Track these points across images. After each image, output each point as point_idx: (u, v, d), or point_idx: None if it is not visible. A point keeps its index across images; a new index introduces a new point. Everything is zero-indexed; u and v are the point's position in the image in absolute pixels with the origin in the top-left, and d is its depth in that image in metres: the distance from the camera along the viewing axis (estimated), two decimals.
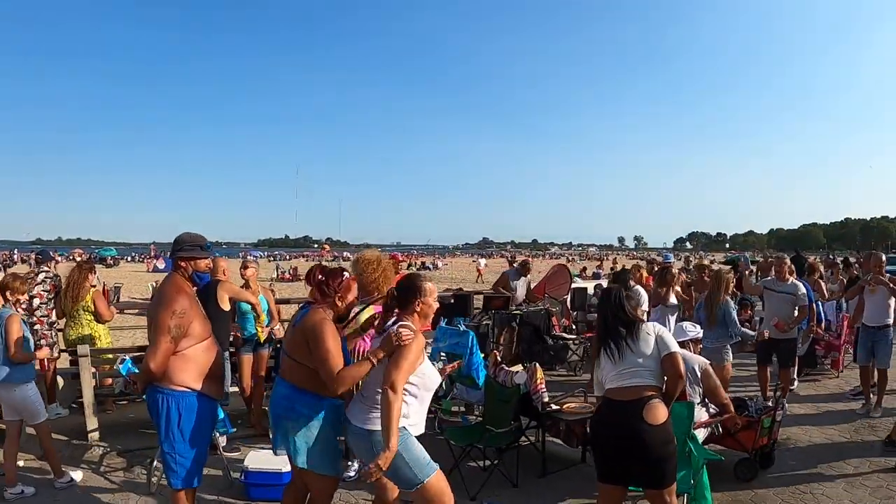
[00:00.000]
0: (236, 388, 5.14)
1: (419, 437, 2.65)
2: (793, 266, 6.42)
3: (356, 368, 2.58)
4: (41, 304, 5.58)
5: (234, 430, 4.85)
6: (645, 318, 5.53)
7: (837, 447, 4.95)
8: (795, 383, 6.89)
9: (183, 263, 3.06)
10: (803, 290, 6.10)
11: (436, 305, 2.77)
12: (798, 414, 5.80)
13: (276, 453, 2.76)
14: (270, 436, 4.50)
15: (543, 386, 4.25)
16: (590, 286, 10.08)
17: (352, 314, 3.11)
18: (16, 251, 52.02)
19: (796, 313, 5.96)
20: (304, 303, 2.93)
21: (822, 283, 8.58)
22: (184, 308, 2.87)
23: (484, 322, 7.52)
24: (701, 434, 3.77)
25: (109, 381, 5.65)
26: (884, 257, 6.27)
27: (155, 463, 4.06)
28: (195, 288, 3.26)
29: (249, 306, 5.06)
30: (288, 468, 3.63)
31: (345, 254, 64.38)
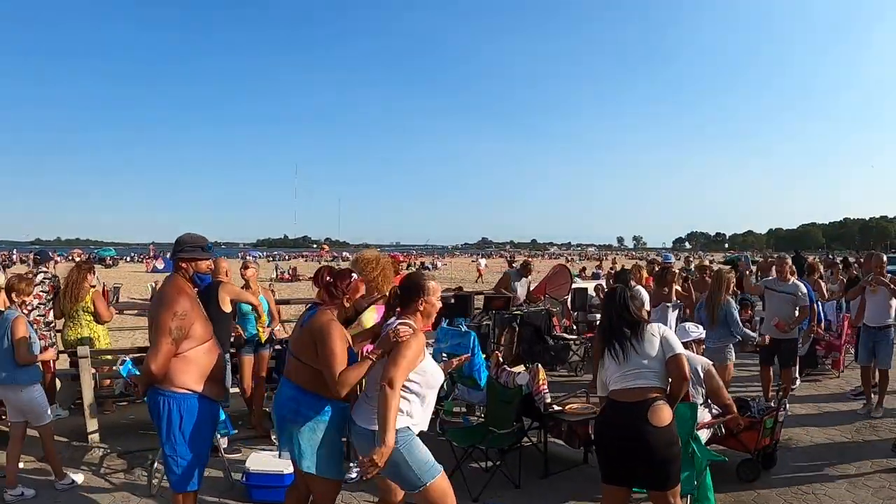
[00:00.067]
0: (237, 389, 5.12)
1: (421, 437, 2.64)
2: (794, 266, 6.41)
3: (357, 369, 2.57)
4: (39, 304, 5.56)
5: (236, 431, 4.84)
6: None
7: (839, 447, 4.95)
8: (798, 382, 6.89)
9: (184, 264, 3.04)
10: (804, 290, 6.10)
11: (439, 305, 2.76)
12: (799, 414, 5.79)
13: (280, 456, 2.74)
14: (273, 437, 4.53)
15: (546, 387, 4.24)
16: (590, 286, 10.07)
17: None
18: (15, 251, 51.93)
19: (797, 313, 5.96)
20: (311, 303, 2.90)
21: (822, 284, 8.58)
22: (185, 310, 2.86)
23: (484, 322, 7.52)
24: (704, 435, 3.76)
25: (108, 382, 5.63)
26: (885, 258, 6.27)
27: (156, 464, 4.05)
28: (196, 289, 3.24)
29: (250, 307, 5.04)
30: (289, 470, 3.62)
31: (344, 254, 64.36)
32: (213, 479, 4.00)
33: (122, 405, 5.71)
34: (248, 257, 36.23)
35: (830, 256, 24.47)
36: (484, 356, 5.14)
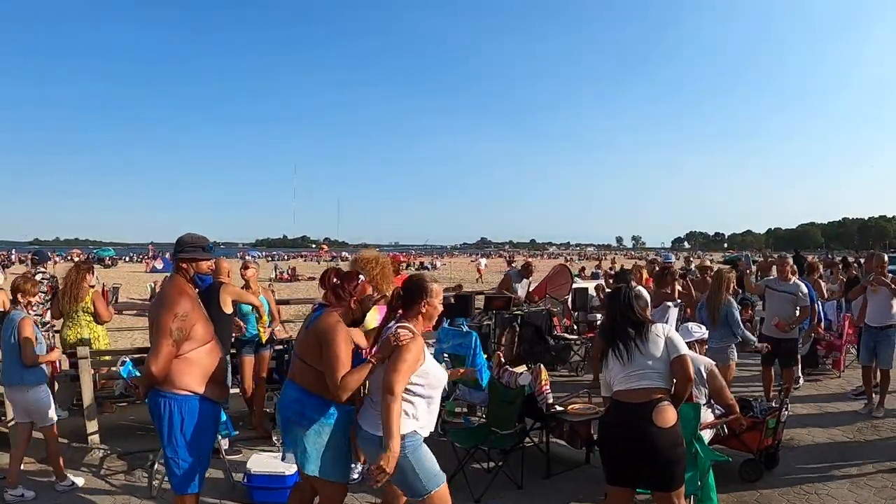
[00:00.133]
0: (237, 390, 5.11)
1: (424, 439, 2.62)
2: (795, 266, 6.41)
3: (358, 373, 2.54)
4: (37, 304, 5.54)
5: (237, 432, 4.82)
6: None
7: (841, 447, 4.95)
8: (801, 382, 6.88)
9: (184, 265, 3.02)
10: (805, 289, 6.09)
11: (440, 308, 2.73)
12: (801, 414, 5.79)
13: (284, 459, 2.71)
14: (274, 438, 4.52)
15: (548, 387, 4.23)
16: (590, 286, 10.06)
17: None
18: (13, 251, 51.80)
19: (797, 313, 5.96)
20: (318, 305, 2.87)
21: (822, 283, 8.58)
22: (186, 310, 2.84)
23: (485, 323, 7.50)
24: (706, 435, 3.75)
25: (106, 382, 5.61)
26: (886, 257, 6.27)
27: (156, 466, 4.03)
28: (197, 290, 3.22)
29: (250, 307, 5.03)
30: (291, 471, 3.61)
31: (343, 254, 64.29)
32: (214, 480, 3.98)
33: (121, 406, 5.68)
34: (246, 257, 36.16)
35: (830, 256, 24.47)
36: (485, 356, 5.13)
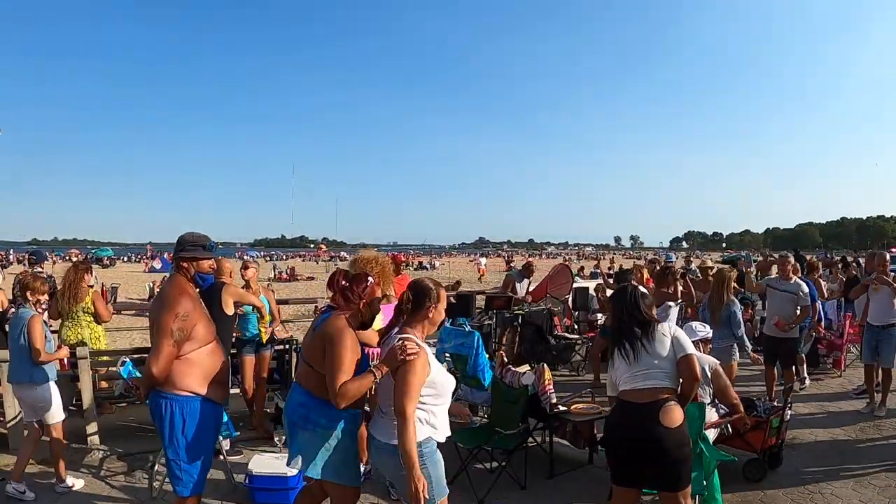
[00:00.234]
0: (237, 390, 5.08)
1: None
2: (797, 265, 6.40)
3: (358, 382, 2.47)
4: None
5: (238, 433, 4.80)
6: None
7: (843, 446, 4.94)
8: (807, 382, 6.86)
9: (185, 264, 2.97)
10: (806, 289, 6.09)
11: (444, 315, 2.70)
12: (803, 413, 5.78)
13: (289, 463, 2.66)
14: (276, 439, 4.49)
15: (551, 387, 4.22)
16: (591, 286, 10.05)
17: None
18: (12, 251, 51.68)
19: (798, 312, 5.95)
20: (326, 307, 2.83)
21: (822, 283, 8.58)
22: (187, 310, 2.80)
23: (486, 322, 7.49)
24: (711, 434, 3.74)
25: (105, 383, 5.58)
26: (888, 256, 6.26)
27: (156, 467, 4.00)
28: (198, 289, 3.19)
29: (250, 307, 5.00)
30: (293, 472, 3.58)
31: (342, 253, 64.26)
32: (215, 481, 3.95)
33: (121, 406, 5.66)
34: (245, 257, 36.13)
35: (828, 256, 24.52)
36: (487, 356, 5.11)
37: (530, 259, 10.13)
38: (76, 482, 4.02)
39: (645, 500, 3.57)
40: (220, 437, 4.04)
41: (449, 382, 2.56)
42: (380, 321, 3.27)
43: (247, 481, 3.80)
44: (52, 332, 5.68)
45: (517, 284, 8.33)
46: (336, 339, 2.50)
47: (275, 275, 32.52)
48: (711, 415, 3.82)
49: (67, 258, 34.30)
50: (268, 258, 60.96)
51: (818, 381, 7.24)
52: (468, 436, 4.24)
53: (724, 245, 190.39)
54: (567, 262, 15.49)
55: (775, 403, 4.56)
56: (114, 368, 5.12)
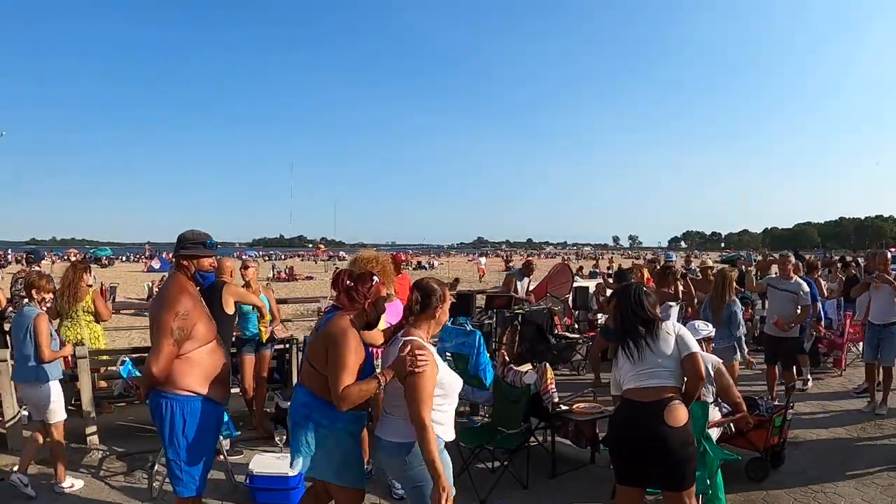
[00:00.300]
0: (237, 390, 5.06)
1: None
2: (798, 263, 6.40)
3: (362, 386, 2.43)
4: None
5: (238, 433, 4.78)
6: None
7: (845, 446, 4.93)
8: (810, 383, 6.85)
9: (185, 262, 2.94)
10: (807, 288, 6.09)
11: (448, 315, 2.69)
12: (804, 413, 5.77)
13: (291, 464, 2.63)
14: (277, 438, 4.47)
15: (553, 386, 4.20)
16: (591, 285, 10.04)
17: None
18: (10, 251, 51.55)
19: (799, 312, 5.94)
20: (331, 307, 2.79)
21: (822, 282, 8.58)
22: (187, 309, 2.77)
23: (486, 322, 7.47)
24: (714, 433, 3.73)
25: (103, 383, 5.57)
26: (889, 255, 6.26)
27: (156, 467, 3.98)
28: (198, 288, 3.16)
29: (250, 306, 4.98)
30: (294, 472, 3.56)
31: (340, 253, 64.19)
32: (216, 481, 3.92)
33: (120, 406, 5.63)
34: (243, 257, 36.07)
35: (827, 256, 24.56)
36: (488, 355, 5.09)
37: (529, 258, 10.10)
38: (75, 482, 4.00)
39: (647, 500, 3.54)
40: (221, 437, 4.02)
41: (456, 382, 2.54)
42: (384, 322, 3.25)
43: (247, 481, 3.78)
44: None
45: (518, 283, 8.32)
46: (339, 340, 2.47)
47: (273, 274, 32.48)
48: (714, 414, 3.81)
49: (66, 258, 34.19)
50: (266, 258, 60.88)
51: (819, 381, 7.23)
52: (471, 435, 4.22)
53: (722, 245, 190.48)
54: (566, 262, 15.48)
55: (776, 403, 4.55)
56: (113, 368, 5.10)
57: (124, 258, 60.43)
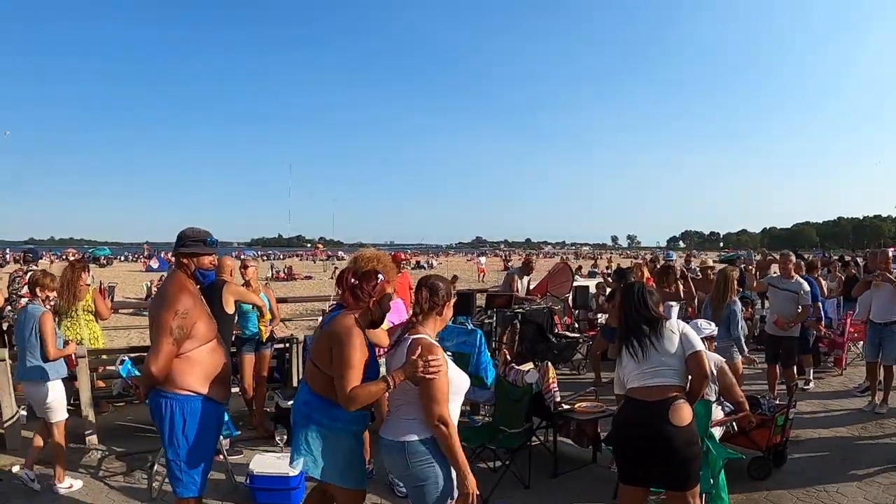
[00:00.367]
0: (237, 389, 5.04)
1: None
2: (800, 263, 6.39)
3: (371, 388, 2.39)
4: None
5: (238, 433, 4.76)
6: None
7: (847, 445, 4.92)
8: (811, 385, 6.84)
9: (185, 260, 2.91)
10: (808, 287, 6.08)
11: (452, 312, 2.67)
12: (805, 412, 5.76)
13: (291, 463, 2.61)
14: (277, 438, 4.45)
15: (555, 385, 4.18)
16: (591, 284, 10.04)
17: None
18: (8, 251, 51.44)
19: (799, 311, 5.93)
20: (335, 305, 2.75)
21: (823, 281, 8.58)
22: (187, 308, 2.74)
23: (486, 321, 7.45)
24: (716, 433, 3.71)
25: (101, 382, 5.54)
26: (891, 253, 6.25)
27: (156, 467, 3.96)
28: (198, 286, 3.13)
29: (250, 305, 4.96)
30: (295, 472, 3.55)
31: (339, 253, 64.16)
32: (216, 482, 3.90)
33: (119, 406, 5.61)
34: (242, 256, 36.05)
35: (826, 255, 24.60)
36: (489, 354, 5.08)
37: (529, 257, 10.10)
38: (74, 483, 3.97)
39: (649, 500, 3.53)
40: (221, 437, 4.00)
41: (464, 382, 2.52)
42: (387, 322, 3.23)
43: (248, 481, 3.76)
44: None
45: (518, 282, 8.30)
46: (344, 339, 2.43)
47: (272, 274, 32.45)
48: (717, 412, 3.79)
49: (64, 257, 34.13)
50: (265, 258, 60.83)
51: (819, 380, 7.23)
52: (472, 434, 4.20)
53: (721, 245, 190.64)
54: (566, 262, 15.48)
55: (777, 402, 4.54)
56: (112, 367, 5.08)
57: (123, 258, 60.34)
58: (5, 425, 4.63)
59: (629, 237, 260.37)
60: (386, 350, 2.74)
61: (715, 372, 3.68)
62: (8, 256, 44.69)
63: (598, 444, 4.37)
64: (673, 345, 2.70)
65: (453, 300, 2.61)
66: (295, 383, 5.53)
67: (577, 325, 9.38)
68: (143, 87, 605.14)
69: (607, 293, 7.83)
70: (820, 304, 7.63)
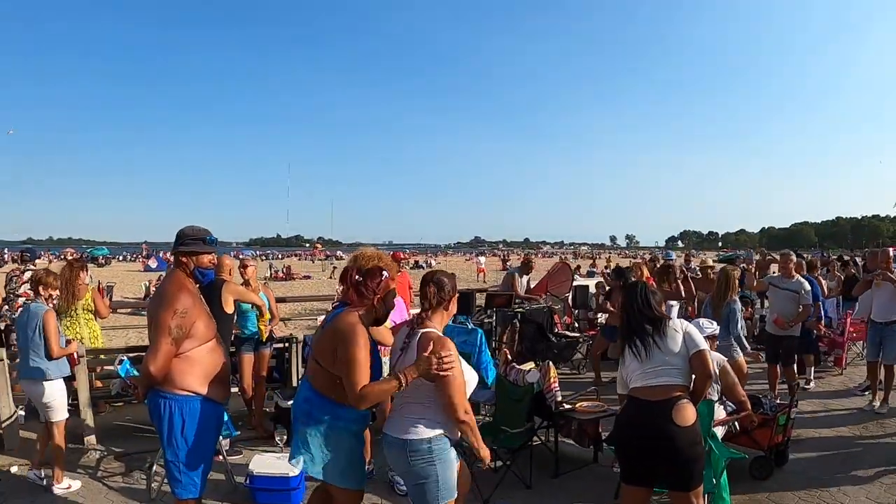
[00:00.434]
0: (236, 389, 5.01)
1: None
2: (801, 262, 6.38)
3: (381, 386, 2.37)
4: (26, 302, 5.44)
5: (237, 433, 4.73)
6: None
7: (848, 444, 4.91)
8: (812, 385, 6.83)
9: (184, 259, 2.88)
10: (808, 287, 6.07)
11: (456, 306, 2.66)
12: (806, 411, 5.75)
13: (290, 461, 2.59)
14: (277, 438, 4.43)
15: (557, 385, 4.17)
16: (591, 284, 10.02)
17: None
18: (6, 250, 51.29)
19: (800, 310, 5.92)
20: (339, 302, 2.73)
21: (823, 281, 8.57)
22: (186, 307, 2.70)
23: (486, 321, 7.43)
24: (718, 432, 3.70)
25: (100, 382, 5.52)
26: (892, 253, 6.24)
27: (154, 468, 3.93)
28: (198, 285, 3.10)
29: (249, 304, 4.93)
30: (295, 472, 3.52)
31: (338, 252, 64.10)
32: (215, 482, 3.87)
33: (118, 406, 5.58)
34: (240, 256, 35.96)
35: (825, 255, 24.62)
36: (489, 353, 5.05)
37: (529, 256, 10.08)
38: (73, 483, 3.95)
39: (651, 501, 3.51)
40: (220, 437, 3.98)
41: (472, 378, 2.51)
42: (390, 321, 3.21)
43: (247, 482, 3.73)
44: None
45: (518, 281, 8.28)
46: (349, 337, 2.40)
47: (271, 274, 32.40)
48: (719, 412, 3.78)
49: (63, 257, 34.02)
50: (263, 257, 60.76)
51: (820, 379, 7.22)
52: None
53: (719, 244, 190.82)
54: (565, 261, 15.48)
55: (778, 401, 4.53)
56: (110, 367, 5.05)
57: (121, 257, 60.24)
58: (3, 425, 4.60)
59: (628, 237, 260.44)
60: (391, 347, 2.73)
61: (717, 371, 3.67)
62: (6, 256, 44.53)
63: (600, 444, 4.35)
64: (676, 344, 2.69)
65: (457, 294, 2.62)
66: (294, 383, 5.51)
67: (576, 325, 9.36)
68: (143, 87, 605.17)
69: (608, 291, 7.82)
70: (820, 304, 7.62)
